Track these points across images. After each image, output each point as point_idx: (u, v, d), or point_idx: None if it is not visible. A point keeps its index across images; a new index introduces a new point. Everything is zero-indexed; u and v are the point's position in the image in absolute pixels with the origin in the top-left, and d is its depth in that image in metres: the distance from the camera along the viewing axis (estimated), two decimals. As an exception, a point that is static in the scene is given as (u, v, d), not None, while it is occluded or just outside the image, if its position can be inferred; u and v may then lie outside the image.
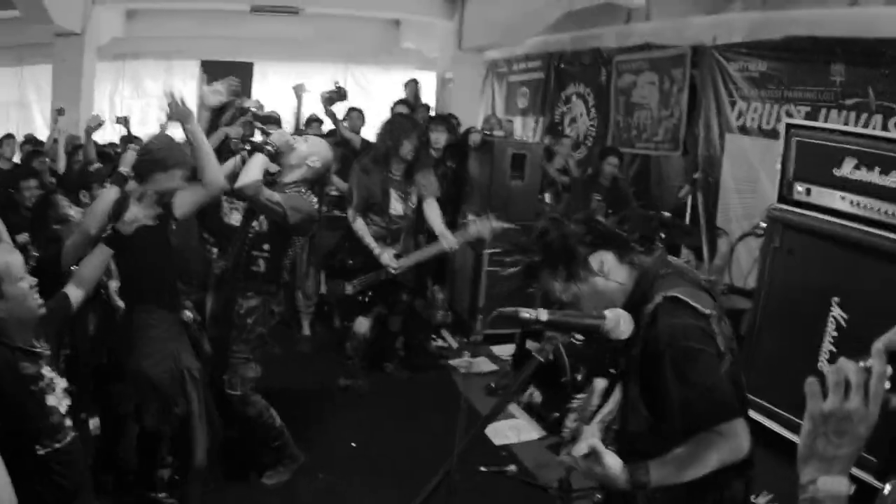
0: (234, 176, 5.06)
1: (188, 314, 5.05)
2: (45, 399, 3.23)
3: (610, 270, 2.71)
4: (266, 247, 5.12)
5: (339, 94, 8.92)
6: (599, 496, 3.02)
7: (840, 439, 1.48)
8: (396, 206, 6.80)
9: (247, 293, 5.11)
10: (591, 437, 2.42)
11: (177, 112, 4.48)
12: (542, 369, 5.97)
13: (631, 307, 2.59)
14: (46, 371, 3.28)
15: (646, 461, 2.41)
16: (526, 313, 2.41)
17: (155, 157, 4.46)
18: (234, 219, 6.48)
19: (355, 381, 7.01)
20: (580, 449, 2.44)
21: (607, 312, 2.50)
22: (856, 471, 4.69)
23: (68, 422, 3.36)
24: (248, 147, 5.23)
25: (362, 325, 6.86)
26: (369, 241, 6.64)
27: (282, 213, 4.98)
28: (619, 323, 2.48)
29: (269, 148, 5.02)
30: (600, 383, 3.23)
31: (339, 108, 9.17)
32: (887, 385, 1.45)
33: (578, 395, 2.60)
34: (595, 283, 2.69)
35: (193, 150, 4.47)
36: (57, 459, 3.25)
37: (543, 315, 2.41)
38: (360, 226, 6.72)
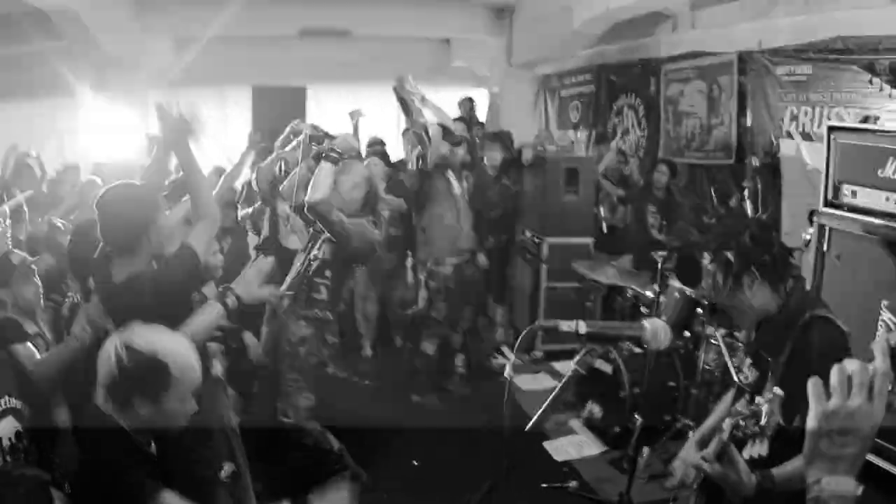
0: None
1: (218, 367, 4.69)
2: None
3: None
4: (328, 273, 5.14)
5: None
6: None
7: (844, 438, 1.51)
8: None
9: (299, 322, 5.14)
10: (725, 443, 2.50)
11: (172, 126, 3.88)
12: (602, 385, 6.05)
13: (784, 319, 2.83)
14: None
15: (769, 468, 2.52)
16: (566, 326, 2.53)
17: None
18: (292, 242, 6.60)
19: (427, 398, 7.13)
20: (709, 453, 2.56)
21: (646, 323, 2.62)
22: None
23: None
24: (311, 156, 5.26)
25: (429, 346, 6.98)
26: None
27: (346, 236, 5.01)
28: (658, 334, 2.60)
29: (334, 154, 4.98)
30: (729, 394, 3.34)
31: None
32: (890, 385, 1.50)
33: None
34: (778, 297, 2.90)
35: (185, 176, 4.06)
36: None
37: (583, 327, 2.53)
38: None
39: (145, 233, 3.61)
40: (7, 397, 3.60)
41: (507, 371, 7.40)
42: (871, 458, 4.85)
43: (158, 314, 3.20)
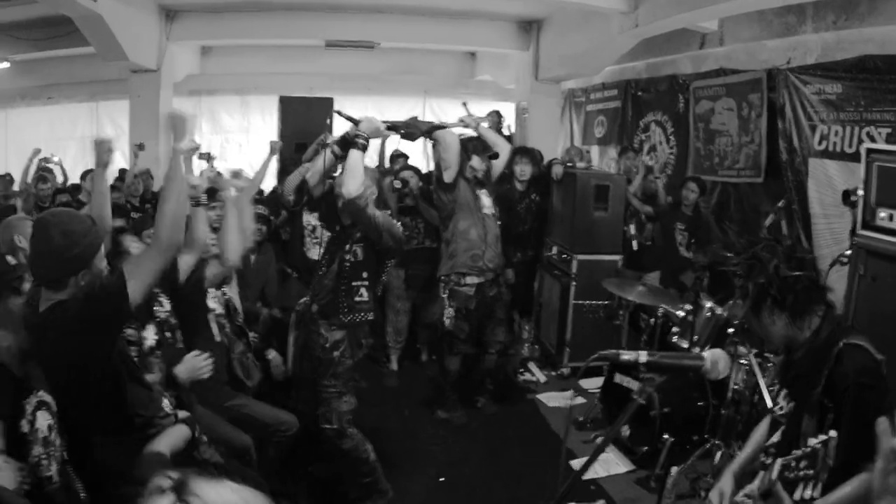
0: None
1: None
2: None
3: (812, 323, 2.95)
4: (365, 275, 5.12)
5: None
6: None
7: None
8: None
9: (331, 327, 5.12)
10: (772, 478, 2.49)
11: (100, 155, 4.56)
12: (627, 402, 6.09)
13: (816, 350, 2.85)
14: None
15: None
16: (627, 356, 2.54)
17: None
18: (316, 253, 6.61)
19: (453, 414, 7.13)
20: (754, 490, 2.59)
21: (706, 354, 2.63)
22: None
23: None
24: (336, 144, 5.19)
25: (453, 362, 6.96)
26: None
27: (379, 231, 5.01)
28: (718, 364, 2.61)
29: (361, 140, 4.92)
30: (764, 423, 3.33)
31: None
32: None
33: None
34: (799, 329, 2.93)
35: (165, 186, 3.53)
36: None
37: (643, 357, 2.54)
38: None
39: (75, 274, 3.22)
40: (41, 391, 3.57)
41: (566, 400, 7.33)
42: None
43: (81, 352, 3.10)
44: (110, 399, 3.31)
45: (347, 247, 5.16)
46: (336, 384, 5.15)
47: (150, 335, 4.24)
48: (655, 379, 2.65)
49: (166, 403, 3.69)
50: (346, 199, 4.86)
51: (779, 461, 2.45)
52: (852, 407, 2.63)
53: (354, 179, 4.82)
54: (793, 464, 2.37)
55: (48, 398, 3.66)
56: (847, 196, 5.93)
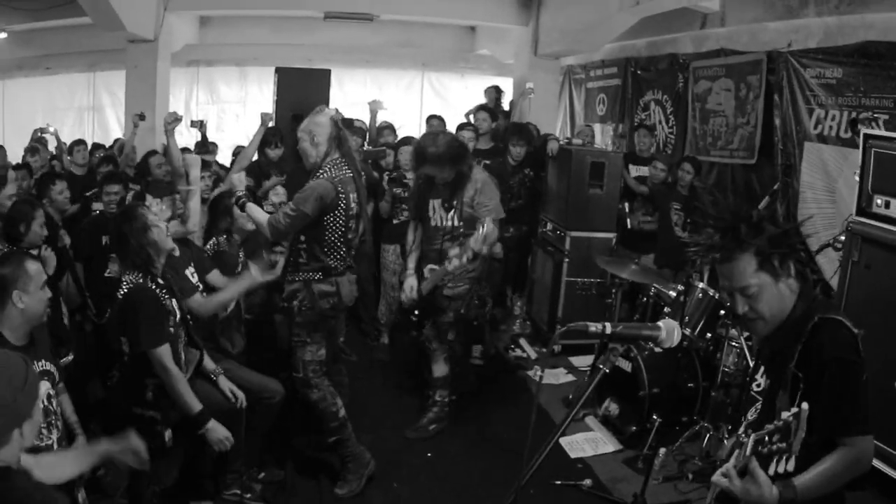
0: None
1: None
2: None
3: (792, 278, 2.83)
4: (302, 238, 5.24)
5: None
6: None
7: None
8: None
9: (288, 278, 5.31)
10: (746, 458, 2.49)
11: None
12: (620, 382, 6.08)
13: (792, 321, 2.80)
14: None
15: (790, 478, 2.50)
16: (593, 326, 2.61)
17: None
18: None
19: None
20: (730, 468, 2.55)
21: (661, 324, 2.68)
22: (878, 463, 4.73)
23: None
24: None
25: (440, 368, 6.54)
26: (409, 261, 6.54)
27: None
28: (672, 334, 2.70)
29: (242, 199, 5.44)
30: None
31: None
32: None
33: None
34: (785, 284, 2.80)
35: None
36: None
37: (608, 328, 2.60)
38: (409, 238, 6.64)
39: None
40: (43, 361, 3.78)
41: (535, 372, 7.30)
42: (877, 464, 4.86)
43: None
44: None
45: None
46: (300, 333, 5.28)
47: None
48: (619, 349, 2.71)
49: None
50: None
51: (752, 436, 2.47)
52: (832, 381, 2.60)
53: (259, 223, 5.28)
54: (766, 438, 2.38)
55: (50, 367, 3.71)
56: (854, 124, 5.91)
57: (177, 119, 7.18)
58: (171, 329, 4.44)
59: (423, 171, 6.20)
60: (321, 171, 5.14)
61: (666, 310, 6.70)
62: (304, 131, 5.25)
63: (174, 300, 4.58)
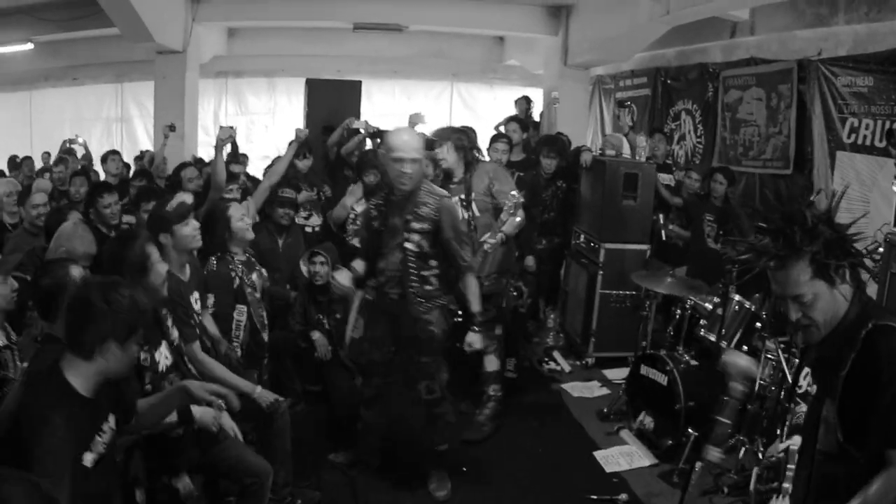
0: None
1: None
2: None
3: (846, 283, 2.71)
4: (433, 263, 5.29)
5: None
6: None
7: None
8: None
9: (420, 308, 5.33)
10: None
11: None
12: (655, 395, 6.08)
13: (844, 326, 2.68)
14: None
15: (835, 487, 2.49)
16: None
17: None
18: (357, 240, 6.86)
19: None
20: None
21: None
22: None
23: None
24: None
25: (492, 363, 6.75)
26: None
27: None
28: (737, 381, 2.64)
29: None
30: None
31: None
32: None
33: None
34: (839, 290, 2.68)
35: None
36: None
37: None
38: None
39: None
40: None
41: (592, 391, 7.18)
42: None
43: None
44: None
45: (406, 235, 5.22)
46: (437, 357, 5.44)
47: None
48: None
49: None
50: None
51: (755, 470, 2.45)
52: (888, 393, 2.48)
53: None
54: (764, 475, 2.37)
55: None
56: (891, 135, 5.88)
57: (231, 136, 7.01)
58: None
59: None
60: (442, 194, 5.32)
61: (702, 322, 6.69)
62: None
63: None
